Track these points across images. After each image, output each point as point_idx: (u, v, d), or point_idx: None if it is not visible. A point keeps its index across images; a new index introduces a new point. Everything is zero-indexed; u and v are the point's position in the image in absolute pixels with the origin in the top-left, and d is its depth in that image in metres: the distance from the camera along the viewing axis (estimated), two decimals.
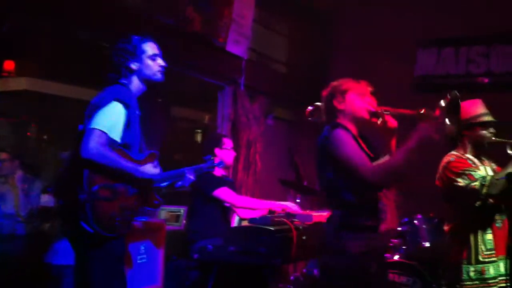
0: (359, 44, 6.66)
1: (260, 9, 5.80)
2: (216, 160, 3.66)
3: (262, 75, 6.05)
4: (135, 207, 2.81)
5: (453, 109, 2.60)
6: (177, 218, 4.74)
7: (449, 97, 2.60)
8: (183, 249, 4.16)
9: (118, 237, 2.72)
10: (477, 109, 3.27)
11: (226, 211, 4.38)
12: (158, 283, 3.50)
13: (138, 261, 3.44)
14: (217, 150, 4.38)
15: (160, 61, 2.94)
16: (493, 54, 6.25)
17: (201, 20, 4.90)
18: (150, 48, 2.92)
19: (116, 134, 2.72)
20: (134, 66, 2.87)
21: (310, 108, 3.05)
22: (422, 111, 2.62)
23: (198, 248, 3.99)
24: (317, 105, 2.97)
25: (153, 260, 3.54)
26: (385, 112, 2.75)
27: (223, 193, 4.19)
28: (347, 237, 2.67)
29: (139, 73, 2.89)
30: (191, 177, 3.23)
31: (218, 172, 4.45)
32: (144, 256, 3.48)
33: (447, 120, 2.57)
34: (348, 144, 2.67)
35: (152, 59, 2.91)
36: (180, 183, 3.19)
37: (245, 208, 4.29)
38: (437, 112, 2.57)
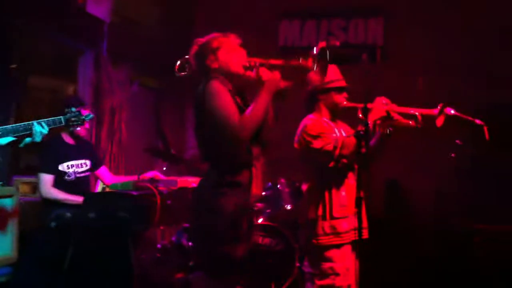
0: (223, 15, 6.67)
1: None
2: (84, 113, 3.27)
3: (127, 40, 5.83)
4: None
5: (323, 58, 2.74)
6: (33, 189, 4.48)
7: (319, 47, 2.73)
8: (40, 219, 3.98)
9: None
10: (332, 74, 3.42)
11: (81, 181, 4.23)
12: (9, 252, 3.30)
13: None
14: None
15: None
16: (350, 27, 6.60)
17: None
18: None
19: None
20: None
21: (178, 62, 2.98)
22: (296, 60, 2.74)
23: (55, 216, 3.82)
24: (186, 58, 2.93)
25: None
26: (258, 65, 2.78)
27: (42, 181, 4.03)
28: (224, 193, 2.69)
29: None
30: (43, 130, 2.93)
31: (72, 140, 4.27)
32: None
33: (316, 67, 2.71)
34: (221, 96, 2.67)
35: None
36: (29, 138, 2.94)
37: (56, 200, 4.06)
38: (310, 61, 2.71)
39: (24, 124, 2.92)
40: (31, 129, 2.92)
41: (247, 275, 2.88)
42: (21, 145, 2.95)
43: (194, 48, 2.88)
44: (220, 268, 2.73)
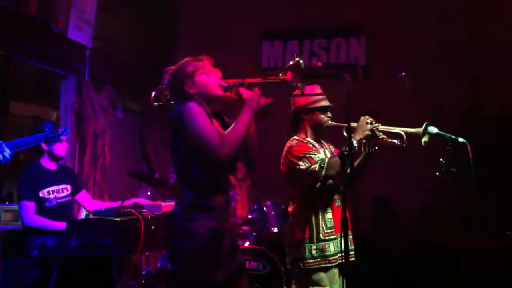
0: (203, 36, 6.69)
1: None
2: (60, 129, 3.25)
3: (108, 65, 5.81)
4: None
5: (299, 70, 2.71)
6: (16, 216, 4.40)
7: (294, 60, 2.71)
8: (22, 247, 3.90)
9: None
10: (316, 94, 3.41)
11: (62, 206, 4.18)
12: None
13: None
14: (43, 144, 4.13)
15: None
16: (332, 47, 6.65)
17: (37, 2, 4.54)
18: None
19: None
20: None
21: (153, 93, 2.94)
22: (273, 76, 2.74)
23: (37, 244, 3.76)
24: (161, 88, 2.88)
25: None
26: (237, 85, 2.76)
27: (24, 208, 3.98)
28: (196, 218, 2.62)
29: None
30: (6, 154, 2.88)
31: (51, 165, 4.23)
32: None
33: (297, 81, 2.69)
34: (200, 117, 2.61)
35: None
36: None
37: (39, 228, 4.00)
38: (289, 75, 2.70)
39: None
40: None
41: None
42: None
43: (167, 77, 2.82)
44: None
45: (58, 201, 4.17)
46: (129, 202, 4.22)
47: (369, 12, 6.41)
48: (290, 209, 3.42)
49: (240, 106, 2.75)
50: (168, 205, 4.13)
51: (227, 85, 2.77)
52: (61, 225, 3.90)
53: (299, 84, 2.73)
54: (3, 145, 2.88)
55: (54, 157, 4.22)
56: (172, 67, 2.83)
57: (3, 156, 2.88)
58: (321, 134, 3.46)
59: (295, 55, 2.75)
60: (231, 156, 2.62)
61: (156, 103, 2.94)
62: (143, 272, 4.83)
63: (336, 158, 3.10)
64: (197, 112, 2.62)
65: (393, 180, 5.85)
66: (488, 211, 5.21)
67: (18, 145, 2.96)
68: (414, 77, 6.01)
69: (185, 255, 2.63)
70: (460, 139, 3.19)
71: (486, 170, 5.03)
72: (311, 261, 3.20)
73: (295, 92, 3.35)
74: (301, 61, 2.70)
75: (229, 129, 2.67)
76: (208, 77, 2.77)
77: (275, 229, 5.01)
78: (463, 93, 6.03)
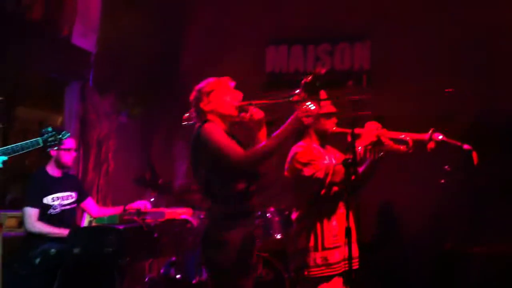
0: (208, 42, 6.67)
1: (108, 1, 5.53)
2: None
3: (113, 71, 5.80)
4: None
5: (312, 90, 2.81)
6: (19, 223, 4.38)
7: (308, 78, 2.81)
8: (24, 254, 3.88)
9: None
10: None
11: (66, 213, 4.16)
12: None
13: None
14: (52, 151, 4.13)
15: None
16: (337, 52, 6.61)
17: (42, 8, 4.54)
18: None
19: None
20: None
21: (186, 115, 3.04)
22: (288, 96, 2.80)
23: (40, 252, 3.73)
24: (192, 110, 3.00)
25: None
26: (250, 105, 2.87)
27: (27, 215, 3.98)
28: (227, 227, 2.75)
29: None
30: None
31: (57, 172, 4.22)
32: None
33: (309, 103, 2.76)
34: (218, 134, 2.75)
35: None
36: None
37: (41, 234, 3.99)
38: (301, 94, 2.77)
39: None
40: None
41: None
42: None
43: (193, 94, 2.96)
44: None
45: (62, 208, 4.17)
46: (133, 205, 4.22)
47: (373, 16, 6.37)
48: (294, 216, 3.37)
49: (254, 125, 2.88)
50: (171, 212, 4.11)
51: (240, 105, 2.89)
52: (63, 231, 3.88)
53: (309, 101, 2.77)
54: None
55: (60, 165, 4.23)
56: (199, 85, 2.97)
57: None
58: (326, 140, 3.43)
59: (304, 77, 2.82)
60: (256, 166, 2.76)
61: (186, 123, 3.03)
62: (146, 279, 4.79)
63: (341, 165, 3.06)
64: (214, 130, 2.77)
65: (399, 187, 5.80)
66: (500, 216, 5.17)
67: (15, 150, 2.92)
68: (420, 81, 6.04)
69: (218, 264, 2.76)
70: (465, 146, 3.12)
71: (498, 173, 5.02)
72: (315, 269, 3.16)
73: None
74: (316, 79, 2.80)
75: (265, 142, 2.77)
76: (224, 96, 2.90)
77: (279, 236, 4.96)
78: (468, 98, 5.97)
